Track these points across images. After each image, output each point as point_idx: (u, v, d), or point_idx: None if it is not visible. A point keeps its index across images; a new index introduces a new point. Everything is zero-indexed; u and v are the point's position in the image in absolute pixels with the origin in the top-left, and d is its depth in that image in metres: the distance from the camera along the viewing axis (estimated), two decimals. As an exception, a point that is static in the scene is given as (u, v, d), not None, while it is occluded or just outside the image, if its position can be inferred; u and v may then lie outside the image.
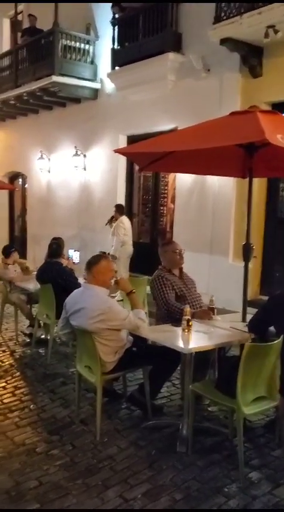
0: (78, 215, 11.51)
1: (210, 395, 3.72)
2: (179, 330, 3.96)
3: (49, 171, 12.54)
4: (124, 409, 4.47)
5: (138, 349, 4.16)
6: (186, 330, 3.90)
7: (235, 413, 3.53)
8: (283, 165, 4.50)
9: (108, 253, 8.99)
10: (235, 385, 3.34)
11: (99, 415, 3.96)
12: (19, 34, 12.79)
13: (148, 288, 5.45)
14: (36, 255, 12.57)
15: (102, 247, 9.31)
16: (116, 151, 4.78)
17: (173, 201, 9.44)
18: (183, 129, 4.56)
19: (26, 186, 14.02)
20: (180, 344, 3.72)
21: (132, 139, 10.12)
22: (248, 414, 3.46)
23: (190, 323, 3.93)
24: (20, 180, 14.60)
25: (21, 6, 13.01)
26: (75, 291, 4.27)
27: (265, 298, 7.83)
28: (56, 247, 6.14)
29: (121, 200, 10.30)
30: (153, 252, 8.82)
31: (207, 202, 8.26)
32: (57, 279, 5.68)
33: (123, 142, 10.25)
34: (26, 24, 12.61)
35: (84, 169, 11.21)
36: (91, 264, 4.11)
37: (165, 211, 10.12)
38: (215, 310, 4.55)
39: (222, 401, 3.60)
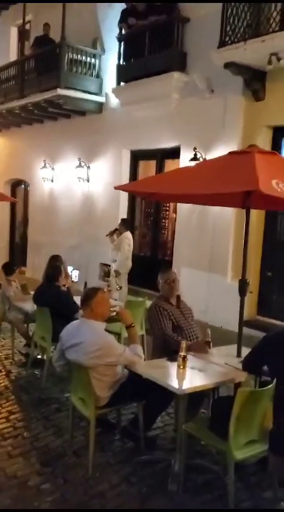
0: (80, 225, 11.52)
1: (203, 436, 3.74)
2: (174, 365, 3.98)
3: (52, 180, 12.57)
4: (117, 441, 4.48)
5: (133, 384, 4.16)
6: (181, 367, 3.93)
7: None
8: (280, 201, 4.51)
9: (110, 266, 8.99)
10: (227, 427, 3.35)
11: (91, 449, 3.97)
12: (26, 43, 12.81)
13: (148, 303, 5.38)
14: (36, 262, 12.62)
15: (103, 259, 9.32)
16: (117, 188, 4.75)
17: (175, 211, 9.42)
18: (182, 168, 4.59)
19: (29, 189, 14.01)
20: (174, 384, 3.73)
21: (135, 154, 10.19)
22: (240, 459, 3.47)
23: (185, 359, 3.95)
24: (23, 187, 14.63)
25: (29, 16, 13.02)
26: (70, 324, 4.26)
27: (262, 318, 7.88)
28: (54, 271, 6.06)
29: (123, 213, 10.32)
30: (153, 265, 8.85)
31: (207, 220, 8.27)
32: (54, 303, 5.64)
33: (126, 157, 10.31)
34: (33, 33, 12.62)
35: (88, 180, 11.24)
36: (88, 297, 4.12)
37: (166, 224, 10.13)
38: (211, 344, 4.55)
39: (215, 443, 3.61)
